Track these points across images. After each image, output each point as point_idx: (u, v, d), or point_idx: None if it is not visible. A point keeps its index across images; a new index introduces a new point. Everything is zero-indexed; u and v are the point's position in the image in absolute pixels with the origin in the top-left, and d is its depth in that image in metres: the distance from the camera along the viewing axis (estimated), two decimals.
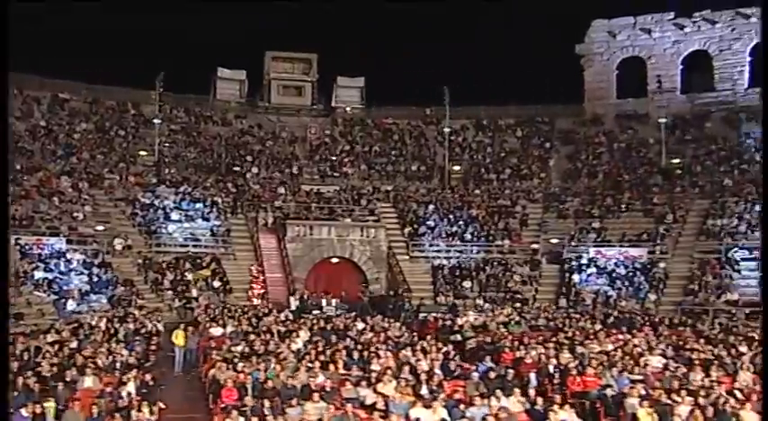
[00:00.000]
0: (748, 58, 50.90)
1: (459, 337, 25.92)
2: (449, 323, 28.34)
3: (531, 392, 17.39)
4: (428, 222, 41.91)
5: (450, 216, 42.48)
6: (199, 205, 40.43)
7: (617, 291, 35.69)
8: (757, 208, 38.14)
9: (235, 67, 54.09)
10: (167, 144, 46.55)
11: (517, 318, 28.86)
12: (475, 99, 53.66)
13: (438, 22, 71.51)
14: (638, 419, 15.74)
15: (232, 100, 53.43)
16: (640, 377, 19.03)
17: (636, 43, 53.87)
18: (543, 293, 37.12)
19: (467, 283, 37.38)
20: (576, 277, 37.04)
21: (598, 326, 27.97)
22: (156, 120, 45.84)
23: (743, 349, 23.33)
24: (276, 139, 50.48)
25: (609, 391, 17.44)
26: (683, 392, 16.76)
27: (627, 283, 36.03)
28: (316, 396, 16.00)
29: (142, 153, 45.03)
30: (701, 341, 24.27)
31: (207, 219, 39.59)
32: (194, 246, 37.77)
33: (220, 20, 68.25)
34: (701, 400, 16.13)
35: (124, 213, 38.72)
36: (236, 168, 45.75)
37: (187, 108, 51.43)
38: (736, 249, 35.73)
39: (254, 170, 45.86)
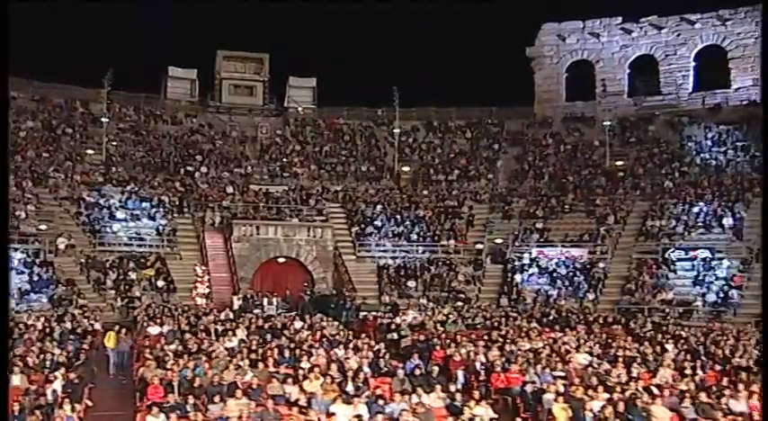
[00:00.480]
0: (693, 63, 52.07)
1: (395, 336, 26.37)
2: (387, 322, 28.72)
3: (452, 388, 17.85)
4: (375, 222, 42.20)
5: (398, 216, 42.81)
6: (145, 204, 40.21)
7: (557, 291, 36.35)
8: (695, 210, 39.18)
9: (186, 65, 54.03)
10: (114, 143, 46.27)
11: (453, 318, 29.29)
12: (427, 100, 54.32)
13: (390, 23, 71.94)
14: (554, 414, 16.29)
15: (183, 99, 53.26)
16: (563, 373, 19.60)
17: (585, 47, 54.78)
18: (486, 293, 37.62)
19: (411, 283, 37.76)
20: (518, 277, 37.63)
21: (534, 325, 28.62)
22: (103, 119, 45.57)
23: (669, 347, 24.10)
24: (226, 139, 50.45)
25: (528, 387, 17.93)
26: (600, 388, 17.32)
27: (567, 283, 36.71)
28: (239, 393, 16.25)
29: (89, 152, 44.73)
30: (629, 339, 25.02)
31: (153, 219, 39.42)
32: (139, 245, 37.57)
33: (172, 18, 67.80)
34: (615, 396, 16.67)
35: (68, 212, 38.40)
36: (189, 167, 45.58)
37: (137, 106, 51.16)
38: (672, 249, 36.57)
39: (203, 169, 45.73)
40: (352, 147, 51.33)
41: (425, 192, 46.22)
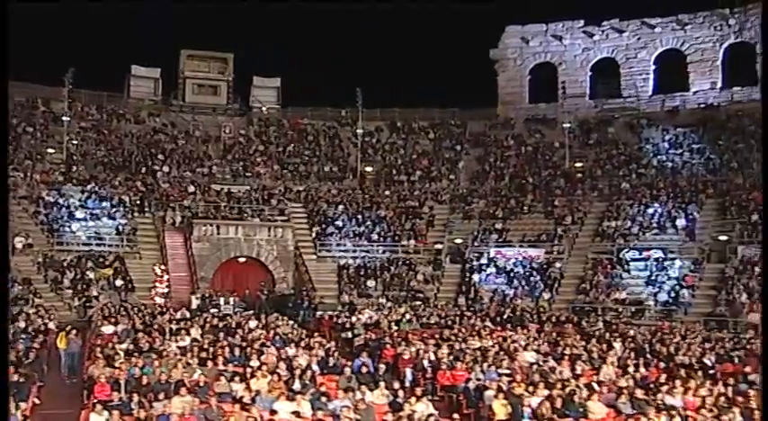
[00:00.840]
0: (653, 67, 52.94)
1: (349, 334, 26.69)
2: (342, 321, 29.00)
3: (401, 385, 18.19)
4: (337, 222, 42.41)
5: (359, 216, 43.05)
6: (105, 204, 40.09)
7: (514, 290, 36.81)
8: (650, 211, 39.88)
9: (150, 64, 53.80)
10: (75, 142, 46.04)
11: (409, 317, 29.62)
12: (391, 101, 54.67)
13: (355, 24, 72.19)
14: (494, 410, 16.68)
15: (146, 98, 53.05)
16: (508, 371, 20.00)
17: (548, 49, 55.48)
18: (444, 292, 38.04)
19: (371, 283, 38.04)
20: (476, 276, 38.05)
21: (487, 324, 29.06)
22: (65, 118, 45.34)
23: (616, 345, 24.61)
24: (189, 138, 50.35)
25: (471, 384, 18.30)
26: (541, 385, 17.75)
27: (524, 283, 37.19)
28: (183, 390, 16.36)
29: (50, 150, 44.45)
30: (578, 337, 25.51)
31: (113, 218, 39.28)
32: (98, 244, 37.44)
33: (136, 17, 67.45)
34: (555, 392, 17.11)
35: (27, 211, 38.17)
36: (155, 166, 45.45)
37: (99, 105, 50.92)
38: (627, 250, 37.23)
39: (165, 169, 45.63)
40: (315, 148, 51.46)
41: (387, 193, 46.48)
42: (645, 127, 49.39)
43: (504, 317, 31.33)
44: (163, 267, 36.63)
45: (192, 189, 43.45)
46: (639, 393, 17.47)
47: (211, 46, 54.92)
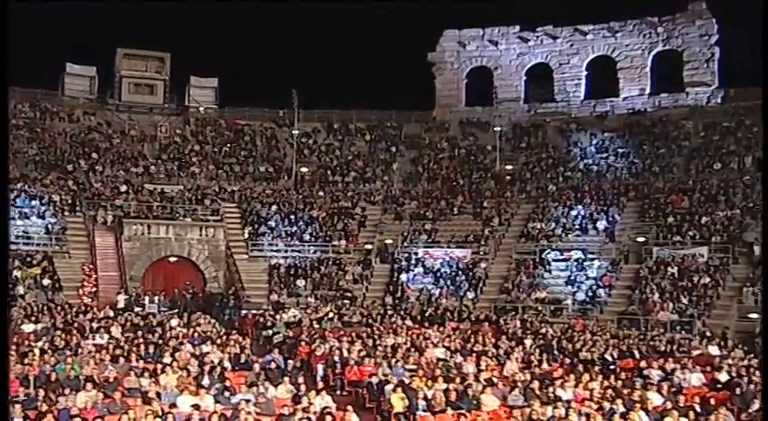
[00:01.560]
0: (584, 72, 54.36)
1: (270, 332, 27.27)
2: (263, 319, 29.50)
3: (301, 380, 18.81)
4: (269, 222, 42.78)
5: (292, 216, 43.49)
6: (35, 202, 39.89)
7: (440, 290, 37.61)
8: (573, 213, 41.12)
9: (85, 62, 53.44)
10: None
11: (331, 315, 30.26)
12: (331, 103, 55.21)
13: (294, 25, 72.57)
14: (392, 403, 17.45)
15: (81, 96, 52.68)
16: (414, 366, 20.81)
17: (484, 54, 56.48)
18: (373, 292, 38.62)
19: (300, 282, 38.48)
20: (403, 276, 38.71)
21: (409, 322, 29.89)
22: None
23: (527, 342, 25.66)
24: (125, 137, 50.22)
25: (374, 379, 19.02)
26: (441, 379, 18.57)
27: (449, 282, 38.00)
28: (89, 385, 16.79)
29: None
30: (490, 335, 26.45)
31: (42, 217, 39.10)
32: (25, 243, 37.24)
33: (72, 13, 66.57)
34: (452, 386, 17.95)
35: None
36: (84, 165, 45.22)
37: (33, 103, 50.47)
38: (548, 251, 38.37)
39: (98, 168, 45.50)
40: (251, 148, 51.71)
41: (321, 194, 46.99)
42: (574, 131, 50.69)
43: (426, 315, 32.15)
44: (91, 266, 36.65)
45: (124, 188, 43.42)
46: (536, 386, 18.36)
47: (148, 45, 54.71)
